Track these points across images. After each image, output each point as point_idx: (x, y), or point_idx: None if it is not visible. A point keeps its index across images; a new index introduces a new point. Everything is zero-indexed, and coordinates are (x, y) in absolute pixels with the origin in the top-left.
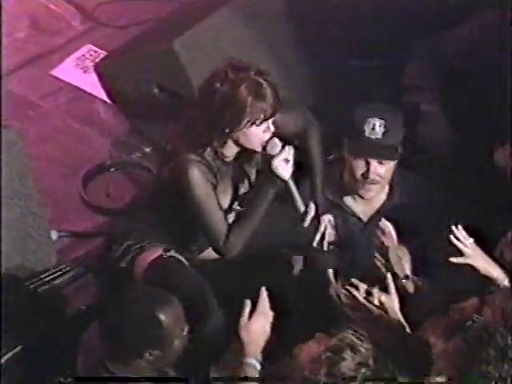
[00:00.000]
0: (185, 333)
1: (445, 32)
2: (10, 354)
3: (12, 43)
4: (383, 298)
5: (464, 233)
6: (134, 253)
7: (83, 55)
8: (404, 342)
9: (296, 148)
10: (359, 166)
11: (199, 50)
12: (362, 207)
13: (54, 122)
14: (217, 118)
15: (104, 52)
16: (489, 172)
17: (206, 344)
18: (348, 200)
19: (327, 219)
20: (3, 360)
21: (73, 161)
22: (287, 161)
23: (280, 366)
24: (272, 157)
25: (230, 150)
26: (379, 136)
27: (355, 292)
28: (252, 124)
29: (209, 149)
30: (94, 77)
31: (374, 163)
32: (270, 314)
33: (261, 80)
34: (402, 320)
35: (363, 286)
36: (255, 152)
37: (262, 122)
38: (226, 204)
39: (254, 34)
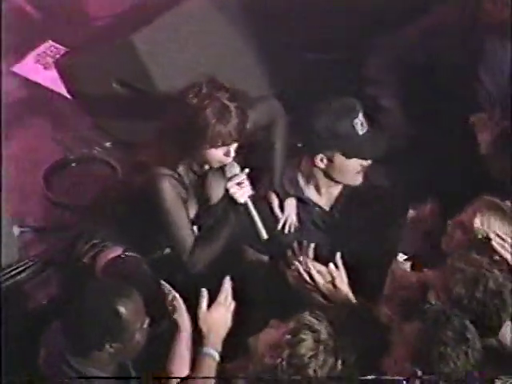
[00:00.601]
0: (145, 326)
1: (406, 26)
2: None
3: None
4: (334, 274)
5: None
6: (98, 250)
7: (44, 51)
8: (357, 319)
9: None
10: (355, 165)
11: (158, 44)
12: (322, 197)
13: (15, 118)
14: (183, 135)
15: (64, 48)
16: (446, 162)
17: (164, 339)
18: (309, 192)
19: (290, 203)
20: None
21: (34, 156)
22: (241, 184)
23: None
24: (229, 179)
25: (205, 165)
26: (365, 132)
27: (312, 270)
28: (211, 147)
29: (181, 163)
30: (54, 73)
31: (362, 162)
32: (232, 304)
33: (230, 105)
34: (351, 295)
35: (316, 265)
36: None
37: (221, 146)
38: (193, 211)
39: (214, 29)
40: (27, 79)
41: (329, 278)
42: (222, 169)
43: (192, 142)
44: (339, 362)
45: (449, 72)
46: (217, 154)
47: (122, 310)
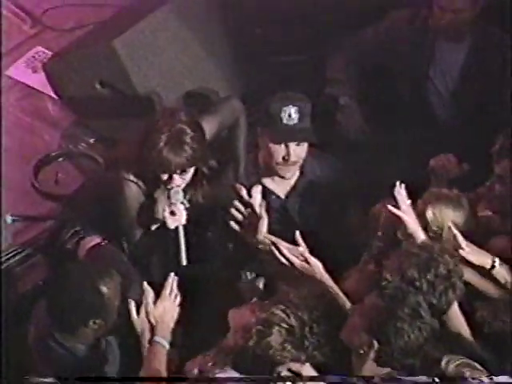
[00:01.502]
0: (125, 300)
1: (364, 29)
2: None
3: None
4: (306, 253)
5: (404, 193)
6: (79, 237)
7: (33, 56)
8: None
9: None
10: (280, 151)
11: (138, 48)
12: (278, 186)
13: (8, 117)
14: (143, 158)
15: (51, 53)
16: (397, 156)
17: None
18: (267, 181)
19: (256, 189)
20: None
21: (24, 151)
22: (176, 212)
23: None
24: (169, 204)
25: (168, 185)
26: (295, 121)
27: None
28: (169, 172)
29: (147, 181)
30: (42, 75)
31: (293, 146)
32: (177, 296)
33: (187, 134)
34: (322, 270)
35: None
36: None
37: (178, 172)
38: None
39: (188, 34)
40: (19, 81)
41: (301, 257)
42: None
43: (153, 165)
44: (304, 357)
45: (403, 72)
46: (174, 177)
47: (103, 289)
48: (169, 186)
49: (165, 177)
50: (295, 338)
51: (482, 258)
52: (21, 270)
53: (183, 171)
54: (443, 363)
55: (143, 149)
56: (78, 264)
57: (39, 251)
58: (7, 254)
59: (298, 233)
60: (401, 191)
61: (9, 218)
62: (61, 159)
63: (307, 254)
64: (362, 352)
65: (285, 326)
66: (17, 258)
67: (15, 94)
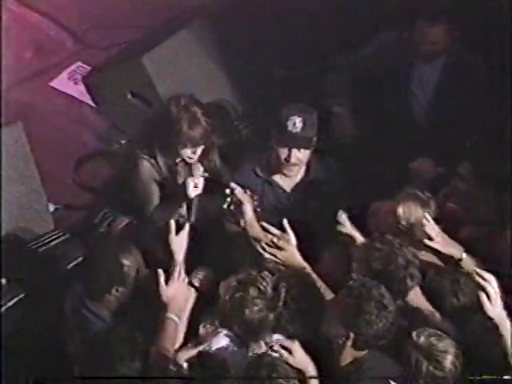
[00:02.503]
0: (143, 271)
1: (355, 49)
2: (15, 299)
3: (20, 61)
4: (286, 236)
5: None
6: (109, 220)
7: (74, 70)
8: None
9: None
10: (283, 153)
11: (162, 64)
12: (285, 182)
13: (53, 122)
14: (159, 136)
15: (90, 67)
16: (383, 159)
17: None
18: (276, 177)
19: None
20: (11, 303)
21: (67, 151)
22: (197, 184)
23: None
24: (190, 176)
25: (177, 159)
26: (298, 130)
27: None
28: (184, 146)
29: (160, 154)
30: (82, 87)
31: (294, 150)
32: (185, 278)
33: (201, 117)
34: (298, 256)
35: (274, 231)
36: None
37: (188, 148)
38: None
39: (205, 52)
40: (62, 92)
41: (282, 239)
42: (189, 166)
43: (170, 141)
44: (272, 315)
45: (389, 86)
46: (186, 152)
47: (124, 261)
48: (188, 161)
49: (189, 151)
50: (267, 300)
51: (452, 249)
52: (62, 249)
53: (201, 144)
54: (414, 336)
55: (165, 128)
56: (105, 243)
57: (76, 234)
58: (50, 237)
59: (285, 220)
60: (344, 219)
61: (52, 207)
62: (97, 157)
63: (293, 241)
64: (340, 342)
65: (259, 286)
66: (58, 240)
67: (59, 103)
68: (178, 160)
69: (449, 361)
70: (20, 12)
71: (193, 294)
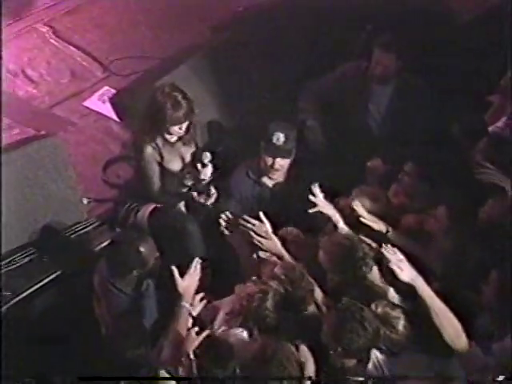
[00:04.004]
0: (158, 258)
1: (323, 75)
2: (52, 277)
3: (59, 86)
4: (263, 227)
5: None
6: (135, 211)
7: (103, 93)
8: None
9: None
10: (269, 161)
11: None
12: (271, 182)
13: (86, 133)
14: (153, 121)
15: (115, 91)
16: (345, 162)
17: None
18: (264, 179)
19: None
20: (48, 279)
21: (97, 156)
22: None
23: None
24: (201, 164)
25: (171, 138)
26: (281, 143)
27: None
28: (171, 125)
29: (158, 137)
30: (109, 106)
31: (277, 159)
32: (198, 274)
33: (181, 99)
34: (279, 245)
35: (253, 221)
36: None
37: (177, 124)
38: (176, 167)
39: (208, 78)
40: (93, 110)
41: (262, 229)
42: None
43: (160, 122)
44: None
45: (350, 104)
46: (176, 130)
47: (142, 249)
48: (177, 135)
49: (177, 128)
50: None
51: (379, 226)
52: (92, 236)
53: (185, 121)
54: (373, 307)
55: (155, 113)
56: (126, 232)
57: (105, 223)
58: (83, 225)
59: (261, 213)
60: (317, 192)
61: (85, 200)
62: (121, 161)
63: (269, 231)
64: (332, 352)
65: (277, 295)
66: (89, 227)
67: (91, 118)
68: (174, 139)
69: (401, 325)
70: (59, 46)
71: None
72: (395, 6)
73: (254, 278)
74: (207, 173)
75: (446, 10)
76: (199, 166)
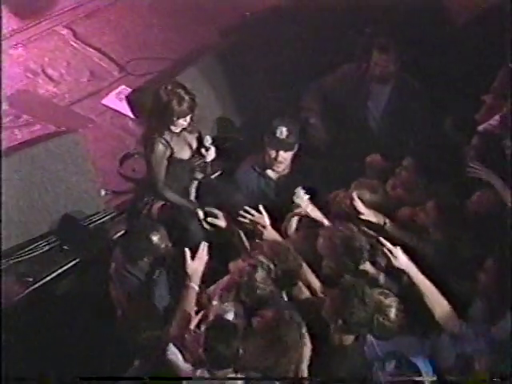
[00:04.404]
0: (169, 246)
1: (325, 76)
2: (71, 264)
3: (79, 85)
4: (262, 218)
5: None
6: (150, 204)
7: (120, 91)
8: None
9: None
10: (272, 154)
11: None
12: (275, 175)
13: (104, 130)
14: (160, 117)
15: (131, 89)
16: (345, 157)
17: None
18: (268, 171)
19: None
20: (67, 266)
21: (114, 150)
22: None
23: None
24: (206, 150)
25: (177, 129)
26: (284, 137)
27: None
28: (178, 118)
29: (166, 131)
30: (125, 104)
31: (280, 152)
32: (206, 257)
33: (184, 95)
34: (277, 236)
35: (253, 212)
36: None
37: (182, 117)
38: (186, 156)
39: (216, 78)
40: (111, 107)
41: (261, 220)
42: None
43: (168, 117)
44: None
45: (351, 103)
46: (181, 122)
47: (153, 237)
48: (181, 127)
49: (182, 120)
50: (271, 276)
51: (377, 218)
52: (109, 225)
53: (189, 114)
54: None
55: (162, 109)
56: (139, 222)
57: (121, 214)
58: (100, 215)
59: (261, 206)
60: (301, 194)
61: (103, 192)
62: (136, 156)
63: (267, 222)
64: (333, 325)
65: (265, 268)
66: (106, 218)
67: (108, 116)
68: (179, 130)
69: (393, 313)
70: (78, 47)
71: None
72: (392, 11)
73: (244, 255)
74: (212, 154)
75: (443, 12)
76: (203, 150)
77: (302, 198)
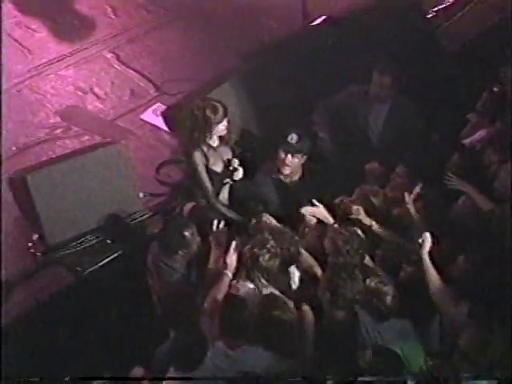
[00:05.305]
0: (198, 241)
1: (332, 96)
2: (114, 256)
3: (121, 102)
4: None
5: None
6: (182, 204)
7: (156, 108)
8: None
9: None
10: (282, 156)
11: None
12: (286, 178)
13: (142, 141)
14: (198, 129)
15: (165, 106)
16: (347, 164)
17: None
18: (281, 177)
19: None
20: (111, 257)
21: (151, 159)
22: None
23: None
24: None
25: (214, 142)
26: (294, 142)
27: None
28: (216, 124)
29: (203, 144)
30: (161, 119)
31: (289, 155)
32: (236, 252)
33: (215, 103)
34: (274, 220)
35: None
36: (226, 141)
37: (219, 123)
38: (219, 169)
39: (240, 95)
40: (148, 122)
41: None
42: (224, 143)
43: (205, 127)
44: (277, 260)
45: (354, 119)
46: (219, 127)
47: (186, 233)
48: (221, 134)
49: (220, 126)
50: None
51: (367, 220)
52: (147, 224)
53: (224, 118)
54: (367, 282)
55: (198, 121)
56: (174, 219)
57: (157, 213)
58: (140, 214)
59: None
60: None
61: (141, 194)
62: (170, 163)
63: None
64: (323, 299)
65: (271, 248)
66: (145, 216)
67: (146, 129)
68: (216, 143)
69: (389, 300)
70: (121, 69)
71: None
72: (391, 41)
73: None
74: (239, 175)
75: (435, 43)
76: (231, 168)
77: (306, 211)
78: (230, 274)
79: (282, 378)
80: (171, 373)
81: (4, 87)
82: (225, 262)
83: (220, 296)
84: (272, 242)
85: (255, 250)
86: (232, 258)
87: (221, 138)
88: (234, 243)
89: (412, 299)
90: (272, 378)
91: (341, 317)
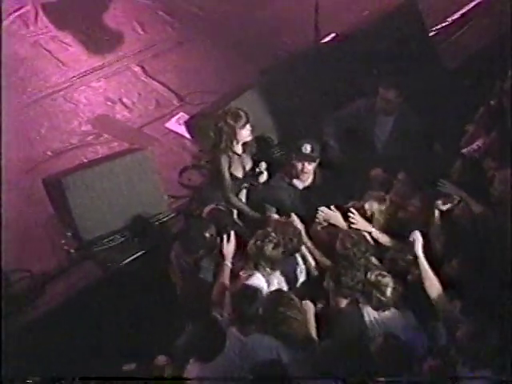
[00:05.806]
0: (217, 241)
1: (340, 110)
2: (136, 255)
3: (147, 111)
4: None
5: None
6: (201, 205)
7: (179, 117)
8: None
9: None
10: (299, 166)
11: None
12: (300, 184)
13: (167, 147)
14: (223, 136)
15: (188, 116)
16: (352, 171)
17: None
18: (295, 181)
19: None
20: (137, 255)
21: (174, 164)
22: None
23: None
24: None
25: (238, 149)
26: (308, 151)
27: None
28: (241, 128)
29: (228, 150)
30: (184, 127)
31: (306, 164)
32: (234, 242)
33: (237, 110)
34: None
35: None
36: (249, 149)
37: (243, 128)
38: (240, 174)
39: (260, 103)
40: (172, 130)
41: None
42: (247, 150)
43: (230, 132)
44: (280, 249)
45: (361, 130)
46: (243, 132)
47: (206, 234)
48: (247, 139)
49: (244, 131)
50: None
51: (367, 227)
52: (171, 224)
53: (247, 123)
54: (368, 275)
55: (223, 130)
56: (195, 221)
57: (179, 214)
58: (164, 215)
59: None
60: (326, 210)
61: (165, 197)
62: (192, 169)
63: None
64: (327, 287)
65: (273, 239)
66: (168, 217)
67: (170, 136)
68: (240, 150)
69: (389, 291)
70: (147, 81)
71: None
72: (396, 57)
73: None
74: (264, 177)
75: (437, 59)
76: (257, 170)
77: (320, 213)
78: (229, 264)
79: (289, 377)
80: (190, 365)
81: (40, 96)
82: (222, 254)
83: (225, 281)
84: (273, 234)
85: (258, 242)
86: (228, 249)
87: (244, 145)
88: (230, 234)
89: (420, 303)
90: (281, 378)
91: (344, 305)
